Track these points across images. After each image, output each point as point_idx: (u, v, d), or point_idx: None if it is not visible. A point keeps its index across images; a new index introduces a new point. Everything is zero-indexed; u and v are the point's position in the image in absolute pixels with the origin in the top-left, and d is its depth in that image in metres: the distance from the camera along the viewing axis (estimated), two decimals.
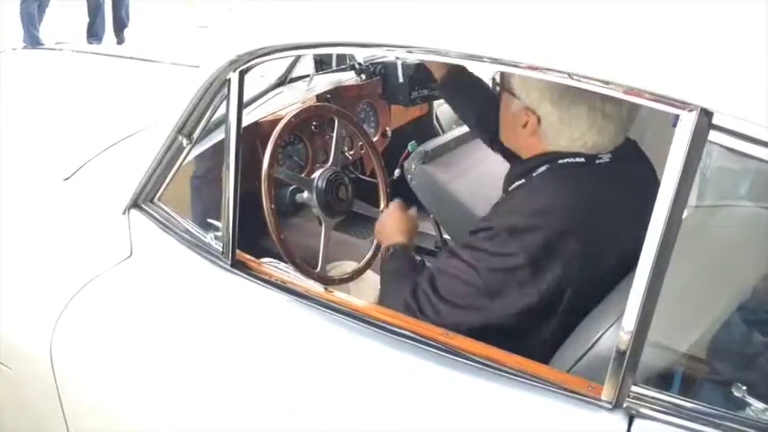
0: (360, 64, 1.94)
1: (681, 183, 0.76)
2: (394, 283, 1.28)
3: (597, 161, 1.12)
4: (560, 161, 1.12)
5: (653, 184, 1.19)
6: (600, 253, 1.08)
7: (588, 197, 1.09)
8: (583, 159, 1.11)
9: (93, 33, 5.47)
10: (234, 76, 1.09)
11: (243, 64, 1.07)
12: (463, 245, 1.12)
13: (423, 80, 1.89)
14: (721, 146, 0.75)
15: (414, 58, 1.83)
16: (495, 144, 1.42)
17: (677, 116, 0.77)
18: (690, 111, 0.75)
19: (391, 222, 1.44)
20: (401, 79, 1.87)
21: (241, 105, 1.11)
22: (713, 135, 0.75)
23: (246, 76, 1.11)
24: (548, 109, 1.10)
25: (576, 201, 1.08)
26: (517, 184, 1.18)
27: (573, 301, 1.07)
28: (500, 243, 1.05)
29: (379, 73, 1.95)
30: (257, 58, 1.06)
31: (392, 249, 1.36)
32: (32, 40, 4.95)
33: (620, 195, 1.12)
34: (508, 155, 1.33)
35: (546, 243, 1.03)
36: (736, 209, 0.92)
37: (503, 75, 1.20)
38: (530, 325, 1.08)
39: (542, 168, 1.14)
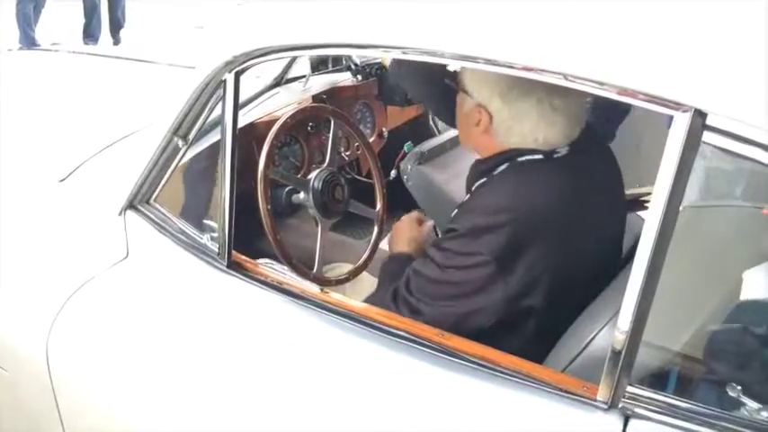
0: (356, 65, 1.94)
1: (675, 183, 0.76)
2: (384, 285, 1.30)
3: (555, 155, 1.13)
4: (519, 159, 1.13)
5: (614, 173, 1.25)
6: (570, 245, 1.10)
7: (549, 192, 1.10)
8: (541, 156, 1.13)
9: (90, 34, 5.47)
10: (229, 77, 1.09)
11: (238, 65, 1.07)
12: (434, 245, 1.15)
13: None
14: (715, 146, 0.75)
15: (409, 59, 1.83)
16: None
17: (671, 117, 0.77)
18: (684, 111, 0.75)
19: (402, 234, 1.45)
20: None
21: (237, 106, 1.11)
22: (707, 136, 0.75)
23: (242, 77, 1.12)
24: (498, 105, 1.11)
25: (537, 196, 1.10)
26: (479, 183, 1.20)
27: (550, 296, 1.08)
28: (464, 243, 1.08)
29: (376, 74, 1.95)
30: (253, 59, 1.06)
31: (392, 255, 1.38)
32: (28, 41, 4.94)
33: (582, 187, 1.13)
34: None
35: (509, 240, 1.05)
36: (731, 209, 0.92)
37: (458, 74, 1.21)
38: (506, 323, 1.09)
39: (503, 167, 1.15)
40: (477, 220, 1.09)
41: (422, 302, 1.12)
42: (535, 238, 1.07)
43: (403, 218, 1.51)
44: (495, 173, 1.16)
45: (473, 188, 1.21)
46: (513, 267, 1.06)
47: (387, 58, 1.72)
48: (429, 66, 1.44)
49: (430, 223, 1.47)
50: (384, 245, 1.78)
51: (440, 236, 1.84)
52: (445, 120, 1.66)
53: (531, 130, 1.10)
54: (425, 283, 1.13)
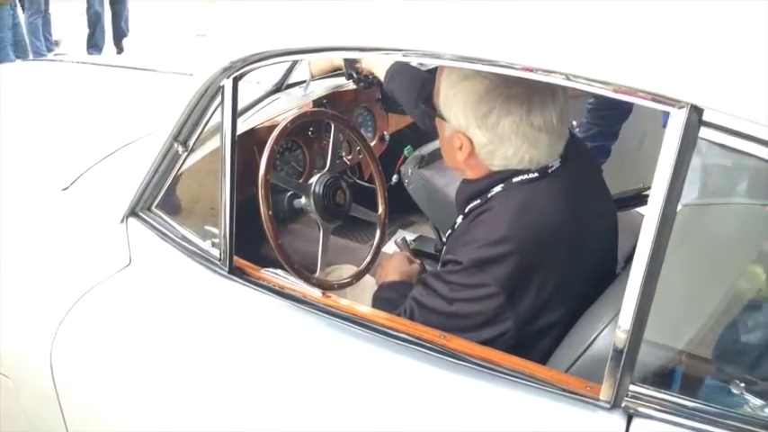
0: (357, 73, 1.94)
1: (673, 180, 0.76)
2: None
3: (549, 170, 1.10)
4: (514, 180, 1.10)
5: (597, 173, 1.24)
6: (574, 258, 1.08)
7: (550, 211, 1.07)
8: (536, 174, 1.09)
9: (94, 44, 5.50)
10: (227, 83, 1.09)
11: (236, 71, 1.07)
12: (435, 276, 1.11)
13: None
14: (712, 142, 0.75)
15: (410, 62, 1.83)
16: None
17: (668, 115, 0.77)
18: (680, 108, 0.75)
19: (392, 266, 1.42)
20: None
21: (235, 112, 1.11)
22: (704, 132, 0.75)
23: (242, 83, 1.12)
24: (476, 132, 1.07)
25: (538, 219, 1.06)
26: (473, 204, 1.15)
27: (562, 312, 1.07)
28: (469, 276, 1.04)
29: (377, 83, 1.95)
30: (250, 64, 1.06)
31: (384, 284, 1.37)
32: (35, 52, 4.98)
33: (579, 197, 1.11)
34: None
35: (515, 269, 1.02)
36: (733, 206, 0.92)
37: (434, 100, 1.16)
38: (518, 347, 1.05)
39: (497, 188, 1.11)
40: (480, 253, 1.04)
41: None
42: (541, 261, 1.04)
43: (394, 253, 1.49)
44: (491, 195, 1.11)
45: (466, 210, 1.17)
46: (522, 295, 1.04)
47: (377, 71, 1.71)
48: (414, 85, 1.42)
49: (417, 264, 1.44)
50: (387, 248, 1.78)
51: (443, 239, 1.85)
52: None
53: (515, 152, 1.07)
54: (432, 315, 1.09)
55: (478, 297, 1.04)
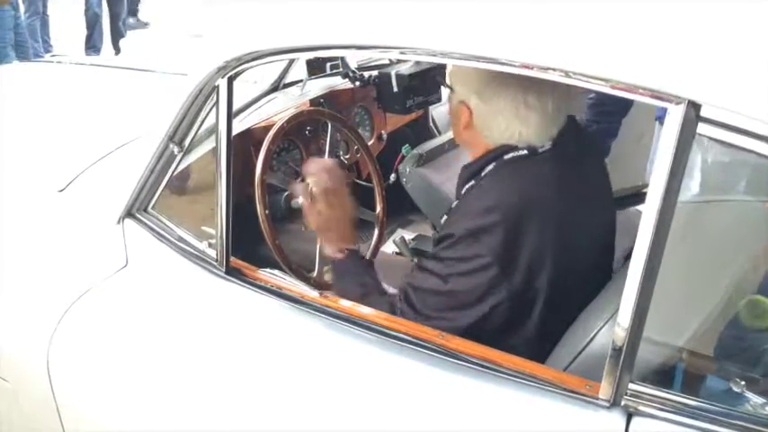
0: (353, 72, 1.93)
1: (671, 176, 0.76)
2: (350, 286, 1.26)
3: (540, 150, 1.14)
4: (505, 157, 1.14)
5: (601, 172, 1.26)
6: (564, 233, 1.09)
7: (537, 182, 1.12)
8: (526, 152, 1.13)
9: (92, 45, 5.50)
10: (222, 83, 1.08)
11: (231, 70, 1.07)
12: (429, 256, 1.14)
13: (418, 88, 1.88)
14: (711, 138, 0.74)
15: (407, 59, 1.83)
16: None
17: (664, 110, 0.76)
18: (678, 104, 0.75)
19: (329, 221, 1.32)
20: (396, 89, 1.86)
21: (231, 112, 1.11)
22: (702, 128, 0.74)
23: (239, 83, 1.11)
24: (475, 101, 1.14)
25: (526, 188, 1.11)
26: (468, 186, 1.19)
27: (553, 286, 1.08)
28: (463, 248, 1.07)
29: (374, 82, 1.94)
30: (245, 63, 1.06)
31: (345, 258, 1.30)
32: (32, 53, 4.97)
33: (570, 178, 1.15)
34: None
35: (506, 237, 1.05)
36: (732, 203, 0.91)
37: (447, 74, 1.24)
38: (509, 322, 1.09)
39: (490, 167, 1.16)
40: (471, 223, 1.08)
41: (424, 316, 1.09)
42: (530, 229, 1.06)
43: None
44: (483, 173, 1.16)
45: (462, 191, 1.21)
46: (514, 264, 1.06)
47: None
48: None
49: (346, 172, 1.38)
50: (386, 248, 1.78)
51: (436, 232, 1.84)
52: None
53: (507, 126, 1.12)
54: (428, 296, 1.11)
55: (473, 269, 1.06)
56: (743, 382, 0.81)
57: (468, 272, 1.06)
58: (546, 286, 1.08)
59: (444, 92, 1.90)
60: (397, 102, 1.88)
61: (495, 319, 1.07)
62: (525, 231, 1.06)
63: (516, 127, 1.11)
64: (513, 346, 1.05)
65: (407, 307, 1.12)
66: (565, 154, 1.15)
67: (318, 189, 1.31)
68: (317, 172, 1.33)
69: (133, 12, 6.39)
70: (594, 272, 1.19)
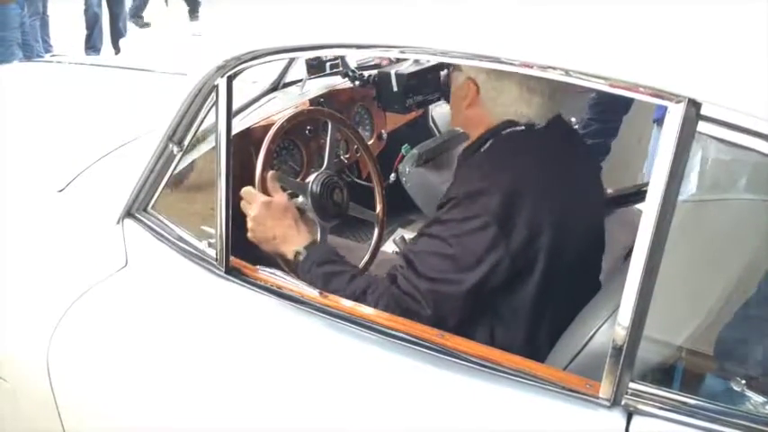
0: (353, 71, 1.93)
1: (671, 175, 0.75)
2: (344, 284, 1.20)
3: (535, 127, 1.21)
4: (503, 132, 1.20)
5: (586, 149, 1.37)
6: (560, 204, 1.14)
7: (534, 153, 1.18)
8: (523, 127, 1.20)
9: (92, 45, 5.50)
10: (222, 82, 1.08)
11: (230, 69, 1.07)
12: (431, 222, 1.17)
13: (417, 87, 1.88)
14: (711, 137, 0.74)
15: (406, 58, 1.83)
16: None
17: (663, 111, 0.76)
18: (678, 102, 0.74)
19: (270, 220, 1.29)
20: (395, 88, 1.86)
21: (230, 111, 1.11)
22: (703, 126, 0.74)
23: (239, 83, 1.11)
24: (483, 78, 1.20)
25: (523, 158, 1.16)
26: (466, 162, 1.26)
27: (550, 254, 1.12)
28: (464, 209, 1.11)
29: (373, 82, 1.94)
30: (244, 62, 1.05)
31: (303, 257, 1.26)
32: (32, 53, 4.97)
33: (564, 154, 1.23)
34: None
35: (504, 200, 1.09)
36: (730, 201, 0.91)
37: None
38: (509, 282, 1.12)
39: (487, 144, 1.22)
40: (470, 186, 1.13)
41: (428, 279, 1.10)
42: (528, 193, 1.10)
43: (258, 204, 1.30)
44: (482, 149, 1.22)
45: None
46: (512, 225, 1.09)
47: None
48: None
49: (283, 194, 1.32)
50: (386, 247, 1.77)
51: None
52: None
53: (512, 103, 1.19)
54: (432, 258, 1.12)
55: (474, 229, 1.09)
56: (743, 381, 0.81)
57: (470, 231, 1.09)
58: (545, 248, 1.12)
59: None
60: (396, 101, 1.88)
61: (497, 278, 1.10)
62: (523, 195, 1.10)
63: (520, 107, 1.18)
64: (515, 309, 1.14)
65: (410, 271, 1.13)
66: (557, 133, 1.24)
67: (249, 216, 1.29)
68: (243, 203, 1.30)
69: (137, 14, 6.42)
70: (589, 238, 1.25)
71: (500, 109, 1.20)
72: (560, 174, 1.18)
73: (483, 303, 1.14)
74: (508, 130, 1.20)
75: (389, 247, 1.79)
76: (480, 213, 1.09)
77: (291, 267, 1.29)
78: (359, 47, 1.01)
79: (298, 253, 1.27)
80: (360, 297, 1.15)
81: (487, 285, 1.11)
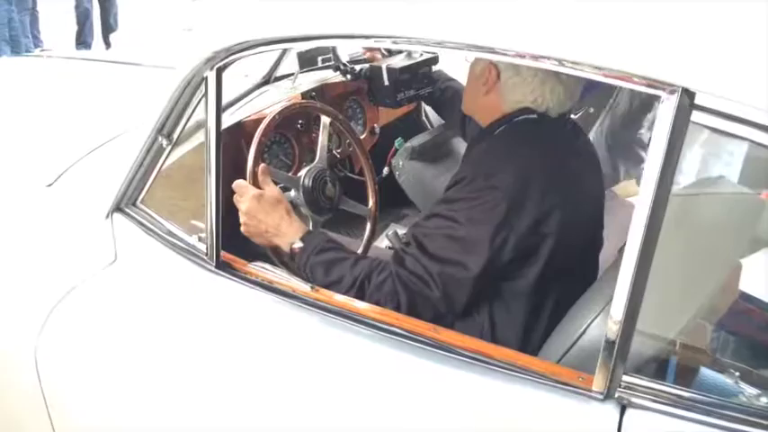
0: (345, 65, 1.92)
1: (665, 165, 0.75)
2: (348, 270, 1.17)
3: (548, 116, 1.22)
4: (515, 119, 1.21)
5: (589, 142, 1.37)
6: (569, 198, 1.14)
7: (546, 141, 1.20)
8: (536, 116, 1.21)
9: (83, 40, 5.48)
10: (211, 75, 1.07)
11: (219, 61, 1.05)
12: (440, 202, 1.16)
13: (408, 81, 1.88)
14: (705, 126, 0.74)
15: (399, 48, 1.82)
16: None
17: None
18: (671, 92, 0.74)
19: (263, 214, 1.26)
20: (386, 82, 1.85)
21: (220, 103, 1.09)
22: (696, 116, 0.74)
23: (230, 76, 1.10)
24: (505, 64, 1.20)
25: (535, 145, 1.18)
26: (479, 145, 1.27)
27: (557, 238, 1.12)
28: (477, 187, 1.11)
29: (365, 76, 1.93)
30: (234, 54, 1.04)
31: (300, 247, 1.23)
32: (21, 49, 4.94)
33: (574, 145, 1.27)
34: None
35: (516, 182, 1.09)
36: (727, 194, 0.90)
37: None
38: (516, 262, 1.12)
39: (500, 129, 1.23)
40: (483, 166, 1.15)
41: (436, 259, 1.10)
42: (538, 179, 1.10)
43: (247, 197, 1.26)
44: (494, 135, 1.23)
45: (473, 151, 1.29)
46: (521, 208, 1.09)
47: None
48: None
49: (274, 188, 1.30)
50: (379, 242, 1.77)
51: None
52: None
53: (533, 90, 1.19)
54: (442, 239, 1.11)
55: (485, 207, 1.08)
56: (737, 374, 0.81)
57: (481, 209, 1.09)
58: (550, 233, 1.11)
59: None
60: (387, 95, 1.87)
61: (504, 258, 1.10)
62: (534, 179, 1.10)
63: (542, 94, 1.19)
64: (517, 293, 1.15)
65: (418, 251, 1.11)
66: (566, 125, 1.27)
67: (241, 210, 1.26)
68: (235, 197, 1.28)
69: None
70: (590, 229, 1.27)
71: (518, 96, 1.21)
72: (568, 164, 1.20)
73: (486, 284, 1.14)
74: (522, 117, 1.21)
75: (382, 242, 1.78)
76: (493, 190, 1.09)
77: (285, 261, 1.28)
78: (351, 37, 1.00)
79: (293, 244, 1.24)
80: (364, 281, 1.13)
81: (496, 266, 1.10)
